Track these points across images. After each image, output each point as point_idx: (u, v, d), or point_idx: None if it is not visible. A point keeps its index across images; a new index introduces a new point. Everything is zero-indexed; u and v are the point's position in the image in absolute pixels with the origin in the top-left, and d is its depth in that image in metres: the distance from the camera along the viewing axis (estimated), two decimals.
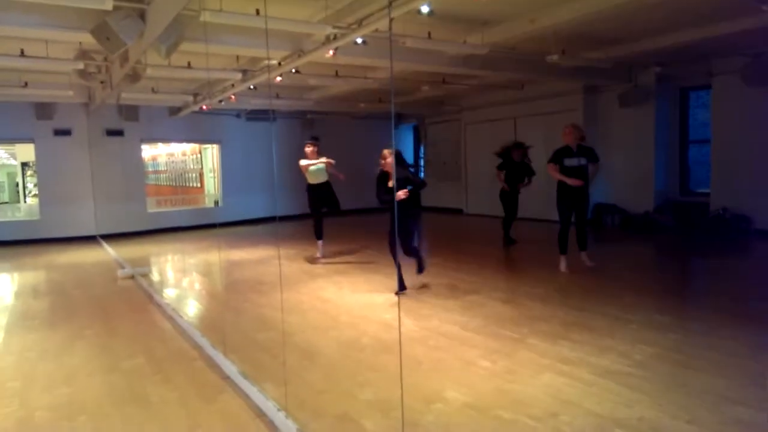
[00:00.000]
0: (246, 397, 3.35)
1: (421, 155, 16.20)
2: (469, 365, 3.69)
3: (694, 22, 6.76)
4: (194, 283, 7.38)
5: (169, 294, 6.43)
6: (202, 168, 14.56)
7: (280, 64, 7.95)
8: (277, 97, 11.73)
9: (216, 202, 13.39)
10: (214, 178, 14.01)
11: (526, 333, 4.34)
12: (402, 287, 5.63)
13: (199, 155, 14.63)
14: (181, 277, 7.88)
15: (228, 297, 6.09)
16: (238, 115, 13.76)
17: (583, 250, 6.52)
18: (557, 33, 6.67)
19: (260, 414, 3.13)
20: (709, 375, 3.45)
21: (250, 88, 9.30)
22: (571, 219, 6.39)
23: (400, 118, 15.96)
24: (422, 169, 15.71)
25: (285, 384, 3.29)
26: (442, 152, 14.38)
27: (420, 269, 5.91)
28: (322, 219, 7.96)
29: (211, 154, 13.93)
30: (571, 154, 6.24)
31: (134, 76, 7.38)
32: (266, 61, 7.91)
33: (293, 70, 7.96)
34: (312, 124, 14.85)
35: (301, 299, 5.80)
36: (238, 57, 8.29)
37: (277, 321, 5.01)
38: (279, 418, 2.97)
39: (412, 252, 5.81)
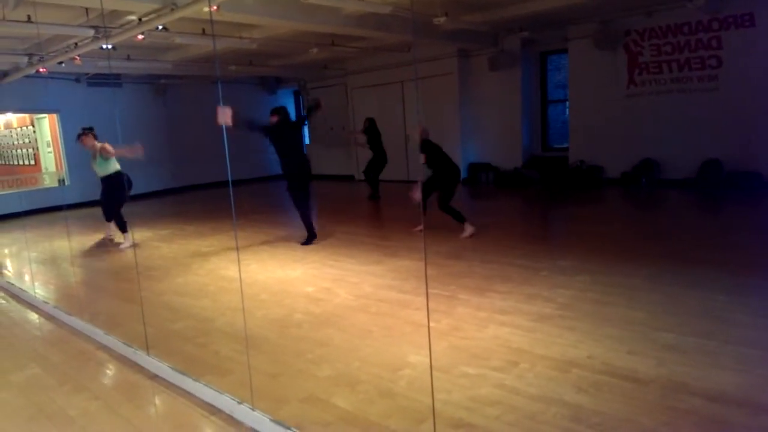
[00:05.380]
0: (189, 395, 2.98)
1: (306, 121, 15.69)
2: (419, 327, 3.67)
3: None
4: (69, 275, 6.35)
5: (45, 291, 5.45)
6: (37, 142, 12.50)
7: (140, 20, 7.02)
8: (128, 58, 10.38)
9: (61, 181, 11.66)
10: (53, 153, 12.14)
11: (454, 289, 4.44)
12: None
13: (31, 127, 12.52)
14: (51, 270, 6.52)
15: (119, 287, 5.37)
16: (77, 80, 11.99)
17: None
18: None
19: (214, 411, 2.81)
20: (624, 308, 3.83)
21: (102, 48, 8.09)
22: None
23: (278, 83, 15.21)
24: (307, 136, 15.21)
25: (249, 373, 2.98)
26: (328, 118, 14.00)
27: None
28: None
29: (49, 126, 12.02)
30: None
31: None
32: (127, 17, 6.91)
33: (159, 27, 7.06)
34: (165, 90, 13.50)
35: (203, 282, 5.31)
36: (87, 10, 7.11)
37: (187, 307, 4.54)
38: (242, 411, 2.69)
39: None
